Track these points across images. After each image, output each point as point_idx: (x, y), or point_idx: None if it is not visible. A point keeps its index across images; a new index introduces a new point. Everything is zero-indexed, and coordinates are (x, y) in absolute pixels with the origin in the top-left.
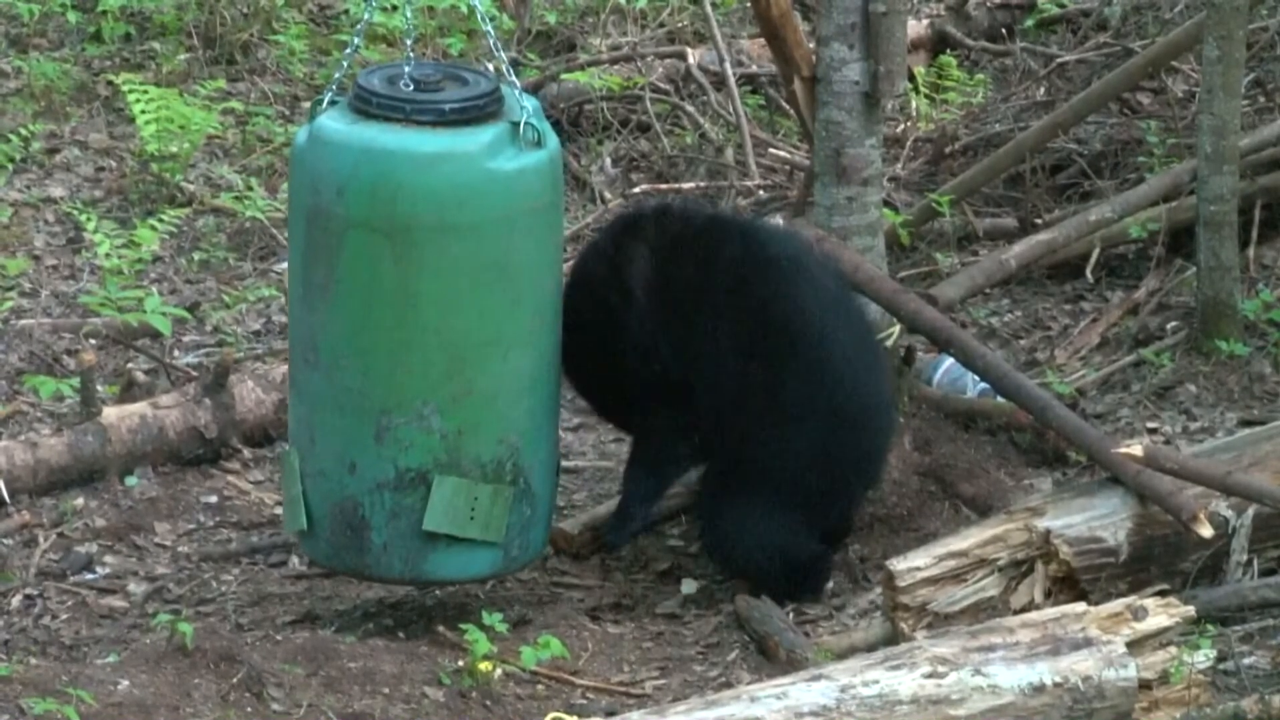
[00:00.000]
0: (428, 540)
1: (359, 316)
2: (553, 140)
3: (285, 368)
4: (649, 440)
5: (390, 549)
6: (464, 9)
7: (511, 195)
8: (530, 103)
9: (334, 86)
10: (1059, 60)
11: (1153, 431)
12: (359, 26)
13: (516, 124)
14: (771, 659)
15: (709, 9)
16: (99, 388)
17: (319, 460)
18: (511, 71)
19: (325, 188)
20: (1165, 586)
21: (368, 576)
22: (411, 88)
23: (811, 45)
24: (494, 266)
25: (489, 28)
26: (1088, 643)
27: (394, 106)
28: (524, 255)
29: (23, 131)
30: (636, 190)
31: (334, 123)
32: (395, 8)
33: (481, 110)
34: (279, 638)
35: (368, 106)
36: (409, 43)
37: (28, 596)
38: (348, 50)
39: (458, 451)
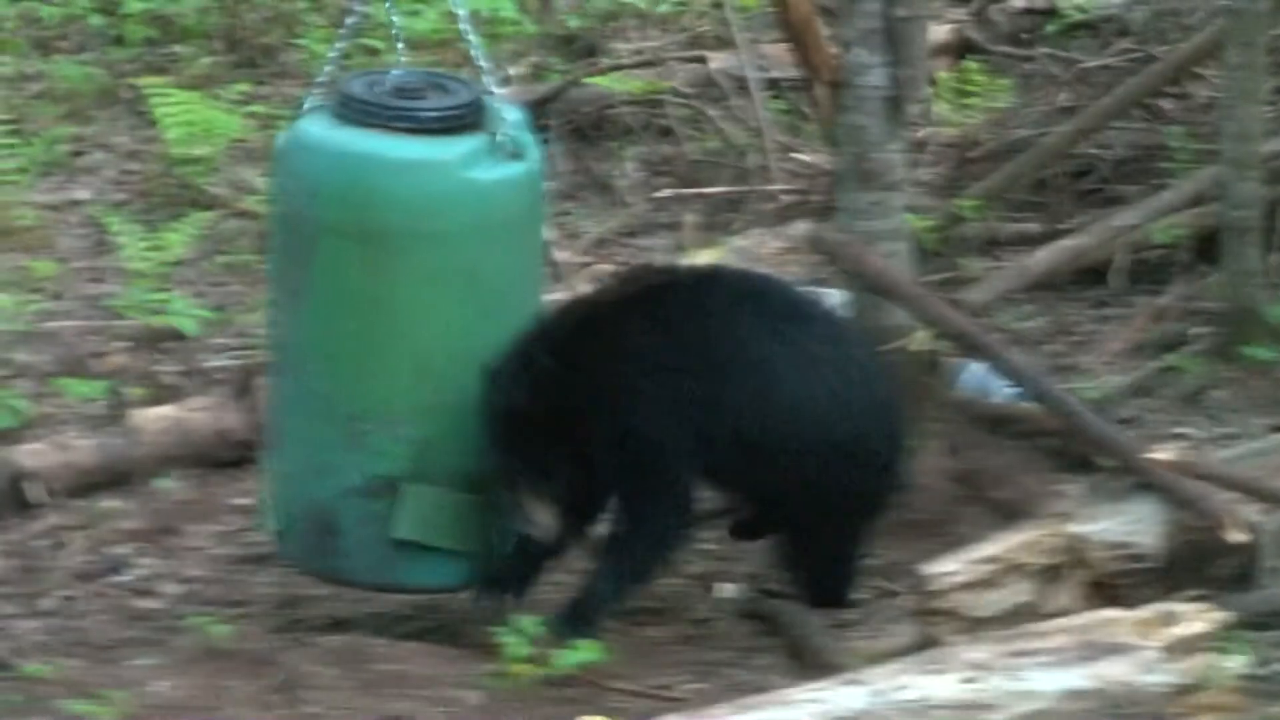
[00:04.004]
0: (397, 548)
1: (330, 322)
2: (534, 153)
3: None
4: (646, 522)
5: (359, 555)
6: (484, 12)
7: (486, 206)
8: (514, 114)
9: (318, 90)
10: (1082, 66)
11: (1181, 437)
12: (343, 30)
13: (498, 135)
14: (806, 664)
15: (731, 14)
16: (127, 390)
17: (291, 464)
18: (495, 81)
19: (300, 191)
20: (1198, 591)
21: (338, 581)
22: (393, 94)
23: (835, 50)
24: (466, 277)
25: (472, 36)
26: (1122, 648)
27: (372, 112)
28: (498, 267)
29: (48, 135)
30: (660, 195)
31: (312, 126)
32: (417, 12)
33: (461, 119)
34: (313, 640)
35: (347, 111)
36: (399, 45)
37: (62, 598)
38: (332, 54)
39: (427, 460)
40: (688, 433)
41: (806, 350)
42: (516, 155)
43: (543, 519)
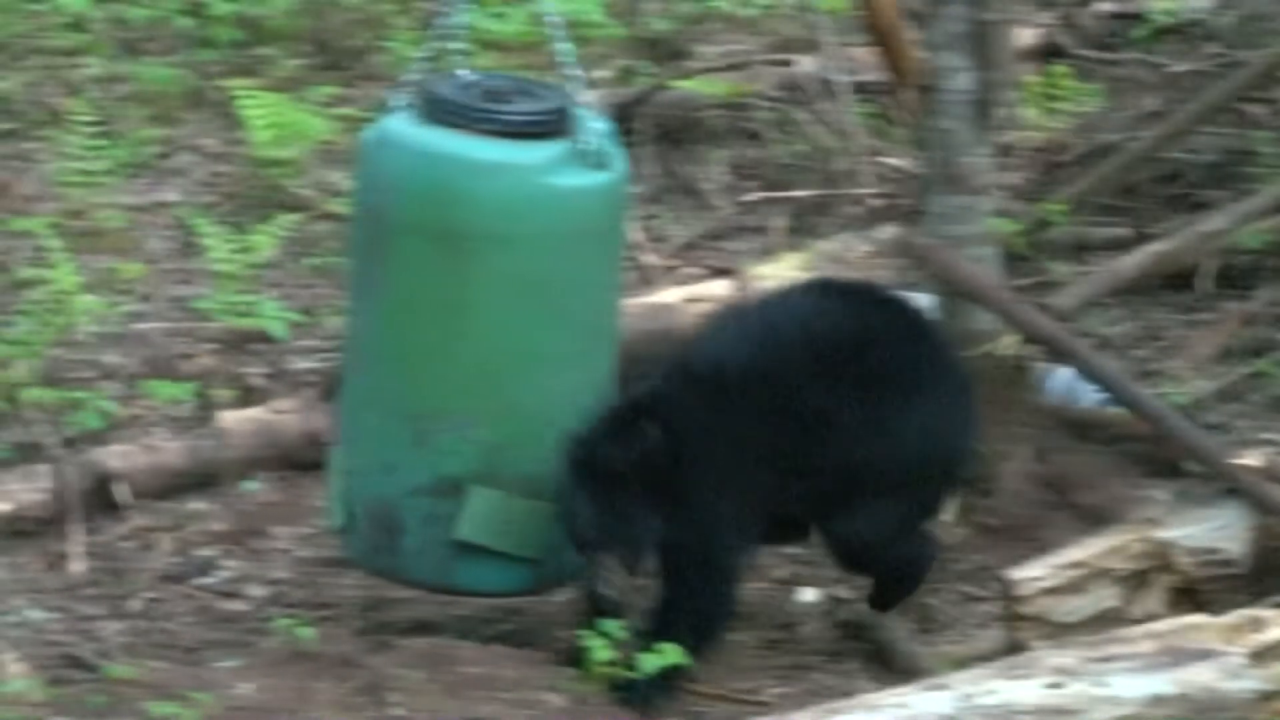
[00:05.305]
0: (460, 550)
1: (404, 320)
2: (618, 163)
3: None
4: (711, 581)
5: (422, 554)
6: (571, 15)
7: (566, 213)
8: (600, 124)
9: (404, 89)
10: (1170, 70)
11: (1269, 443)
12: (432, 31)
13: (582, 143)
14: (891, 668)
15: (817, 17)
16: (214, 392)
17: (359, 460)
18: (582, 87)
19: (382, 188)
20: None
21: (398, 580)
22: (479, 96)
23: (921, 53)
24: (542, 282)
25: (562, 41)
26: (1208, 654)
27: (458, 113)
28: (574, 275)
29: (135, 136)
30: (747, 198)
31: (398, 125)
32: (503, 15)
33: (546, 125)
34: (399, 643)
35: (433, 111)
36: (457, 45)
37: (148, 600)
38: (420, 56)
39: (496, 464)
40: (760, 497)
41: (891, 393)
42: (599, 164)
43: (618, 580)
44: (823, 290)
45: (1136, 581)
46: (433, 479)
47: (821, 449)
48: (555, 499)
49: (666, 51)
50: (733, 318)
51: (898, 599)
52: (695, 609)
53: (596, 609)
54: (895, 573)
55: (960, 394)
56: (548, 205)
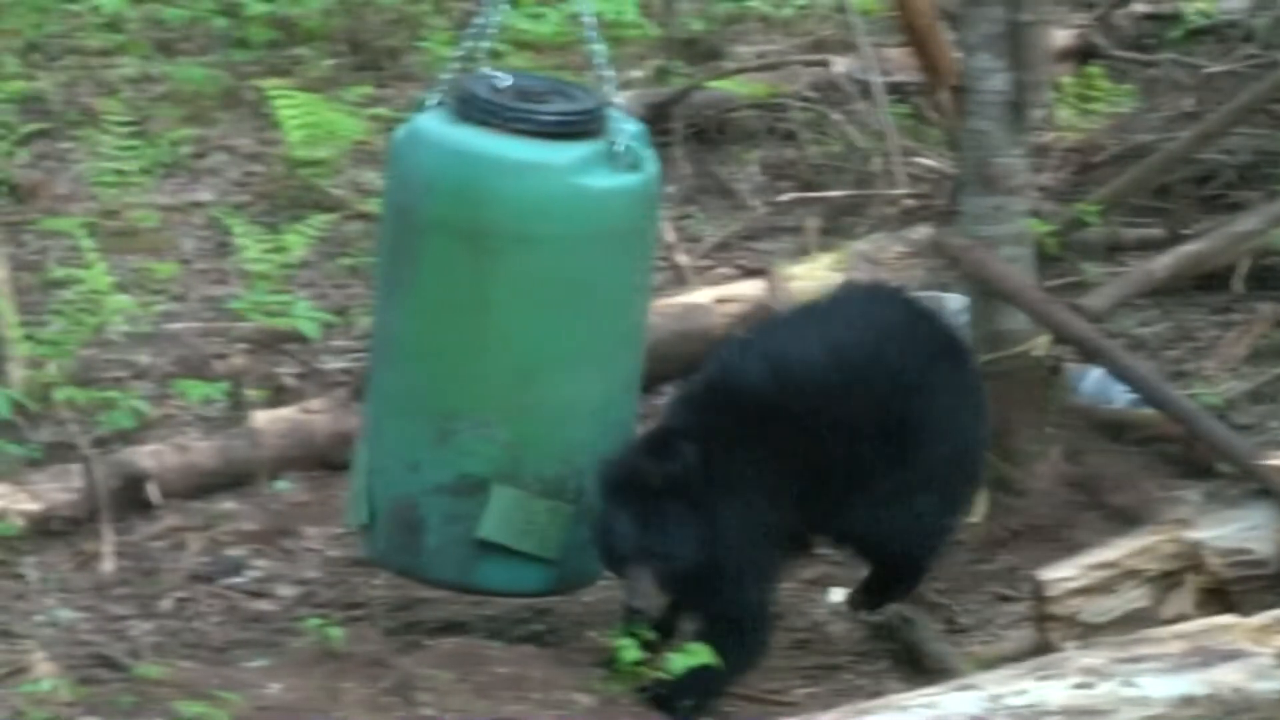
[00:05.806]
0: (481, 549)
1: (431, 318)
2: (651, 166)
3: None
4: (748, 595)
5: (443, 553)
6: (607, 15)
7: (597, 213)
8: (632, 125)
9: (439, 88)
10: (1205, 71)
11: None
12: (467, 31)
13: (614, 144)
14: (919, 668)
15: (853, 17)
16: (247, 392)
17: (382, 458)
18: (615, 88)
19: (413, 185)
20: None
21: (418, 578)
22: (512, 96)
23: (956, 54)
24: (571, 283)
25: (597, 43)
26: (1236, 654)
27: (491, 112)
28: (604, 276)
29: (170, 136)
30: (782, 198)
31: (431, 122)
32: (540, 15)
33: (578, 126)
34: (428, 643)
35: (466, 110)
36: (485, 45)
37: (178, 599)
38: (458, 52)
39: (519, 464)
40: (789, 508)
41: (908, 396)
42: (631, 165)
43: (654, 596)
44: (843, 299)
45: (1167, 582)
46: (455, 478)
47: (842, 456)
48: (590, 517)
49: (701, 52)
50: (761, 330)
51: (896, 598)
52: (734, 624)
53: (631, 624)
54: (897, 571)
55: (973, 393)
56: (577, 206)
